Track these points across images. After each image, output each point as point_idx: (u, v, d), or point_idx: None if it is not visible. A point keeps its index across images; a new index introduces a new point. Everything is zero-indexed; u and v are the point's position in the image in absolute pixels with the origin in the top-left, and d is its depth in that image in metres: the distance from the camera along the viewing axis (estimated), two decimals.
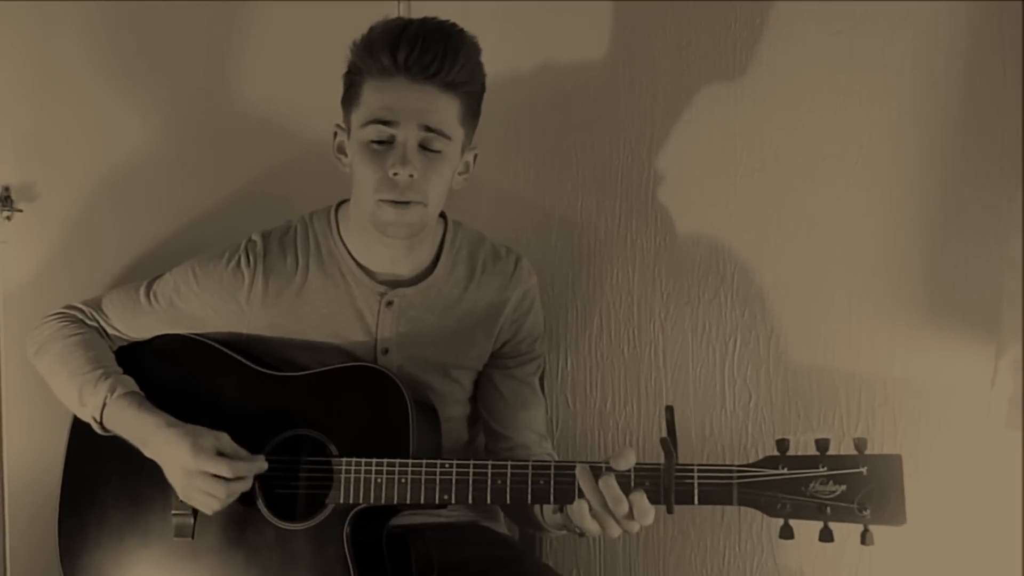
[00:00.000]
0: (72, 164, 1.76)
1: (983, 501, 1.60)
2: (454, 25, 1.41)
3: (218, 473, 1.35)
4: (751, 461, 1.26)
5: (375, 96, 1.39)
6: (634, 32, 1.76)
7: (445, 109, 1.39)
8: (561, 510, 1.34)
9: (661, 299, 1.77)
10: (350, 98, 1.44)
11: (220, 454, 1.37)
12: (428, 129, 1.38)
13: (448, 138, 1.40)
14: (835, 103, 1.66)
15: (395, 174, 1.38)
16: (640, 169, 1.77)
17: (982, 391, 1.58)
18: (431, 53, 1.36)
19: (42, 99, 1.74)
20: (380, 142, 1.40)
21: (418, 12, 1.74)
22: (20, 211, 1.73)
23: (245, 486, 1.38)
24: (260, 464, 1.39)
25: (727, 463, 1.27)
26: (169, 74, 1.78)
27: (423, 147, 1.40)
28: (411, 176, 1.39)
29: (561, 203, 1.80)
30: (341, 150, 1.48)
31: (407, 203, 1.40)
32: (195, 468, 1.36)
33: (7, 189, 1.72)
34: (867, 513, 1.20)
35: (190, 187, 1.80)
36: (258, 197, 1.79)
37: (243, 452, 1.39)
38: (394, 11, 1.79)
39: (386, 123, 1.38)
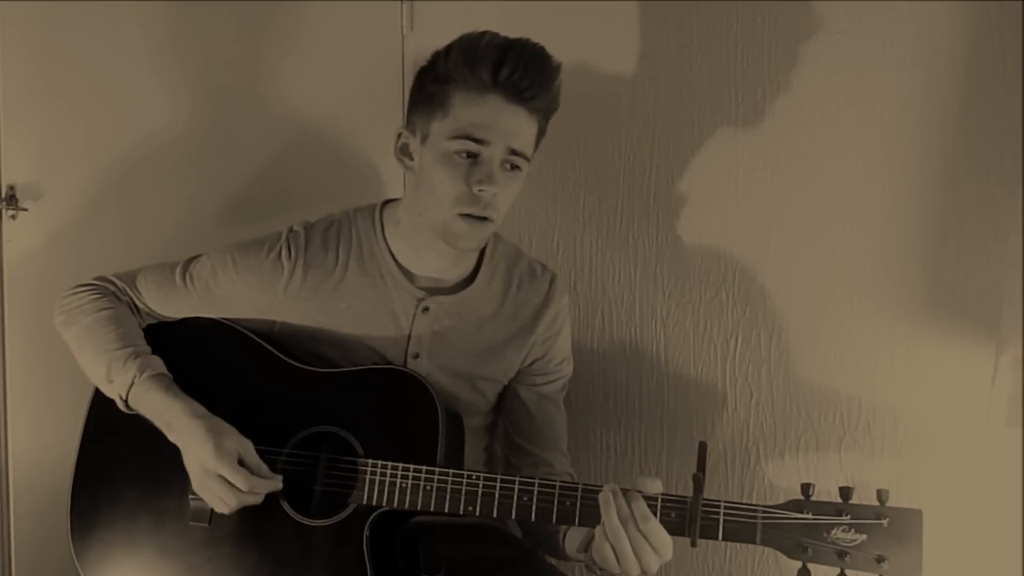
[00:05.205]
0: (76, 164, 1.76)
1: (983, 499, 1.61)
2: (548, 53, 1.41)
3: (234, 483, 1.35)
4: (776, 503, 1.27)
5: (468, 110, 1.38)
6: (636, 32, 1.77)
7: (527, 132, 1.41)
8: (586, 550, 1.34)
9: (663, 298, 1.78)
10: (433, 104, 1.41)
11: (241, 462, 1.36)
12: (512, 152, 1.39)
13: (527, 159, 1.42)
14: (836, 103, 1.67)
15: (480, 191, 1.39)
16: (642, 168, 1.77)
17: (982, 389, 1.59)
18: (530, 78, 1.37)
19: (46, 98, 1.75)
20: (466, 155, 1.39)
21: (420, 12, 1.76)
22: (25, 210, 1.74)
23: (256, 500, 1.37)
24: (275, 483, 1.38)
25: (752, 502, 1.28)
26: (177, 74, 1.78)
27: (505, 165, 1.40)
28: (494, 194, 1.40)
29: (563, 202, 1.81)
30: (405, 152, 1.47)
31: (484, 219, 1.41)
32: (214, 470, 1.35)
33: (12, 188, 1.73)
34: (885, 565, 1.22)
35: (194, 187, 1.80)
36: (262, 198, 1.80)
37: (264, 468, 1.38)
38: (396, 11, 1.80)
39: (476, 140, 1.38)
